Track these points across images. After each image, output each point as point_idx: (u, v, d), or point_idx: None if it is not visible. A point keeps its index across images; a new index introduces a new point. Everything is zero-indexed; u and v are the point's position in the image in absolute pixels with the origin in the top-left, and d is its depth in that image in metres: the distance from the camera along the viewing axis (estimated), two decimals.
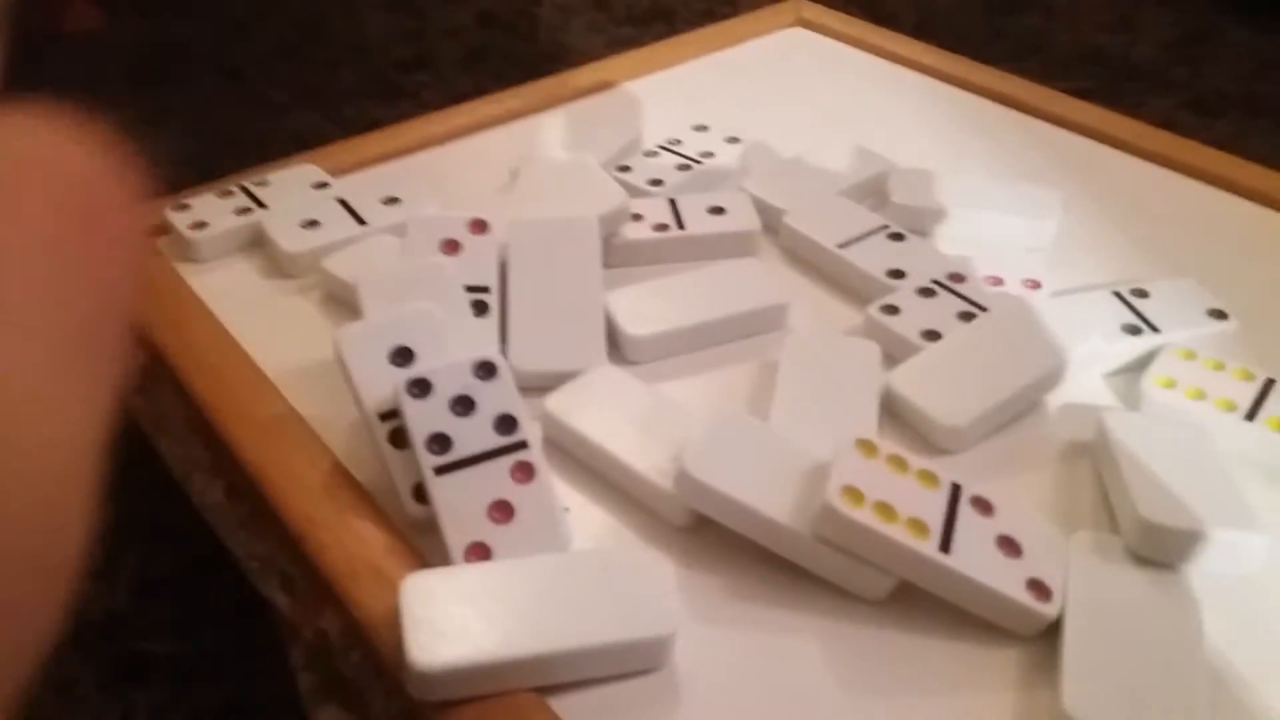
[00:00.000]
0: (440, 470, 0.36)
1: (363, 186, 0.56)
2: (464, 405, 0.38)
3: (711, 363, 0.46)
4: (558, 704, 0.31)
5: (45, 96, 0.13)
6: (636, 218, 0.52)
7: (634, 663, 0.33)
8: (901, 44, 0.72)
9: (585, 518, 0.38)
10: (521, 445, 0.37)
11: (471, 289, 0.45)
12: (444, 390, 0.38)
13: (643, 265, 0.52)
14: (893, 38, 0.72)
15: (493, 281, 0.46)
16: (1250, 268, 0.51)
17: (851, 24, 0.74)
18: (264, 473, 0.39)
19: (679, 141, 0.60)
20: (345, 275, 0.49)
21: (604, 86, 0.68)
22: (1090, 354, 0.44)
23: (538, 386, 0.42)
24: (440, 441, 0.37)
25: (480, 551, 0.35)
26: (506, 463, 0.37)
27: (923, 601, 0.35)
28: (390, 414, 0.39)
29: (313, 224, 0.53)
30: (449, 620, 0.31)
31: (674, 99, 0.67)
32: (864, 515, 0.33)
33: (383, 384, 0.39)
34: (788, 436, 0.38)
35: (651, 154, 0.59)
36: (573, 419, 0.41)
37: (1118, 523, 0.37)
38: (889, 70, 0.70)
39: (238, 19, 1.04)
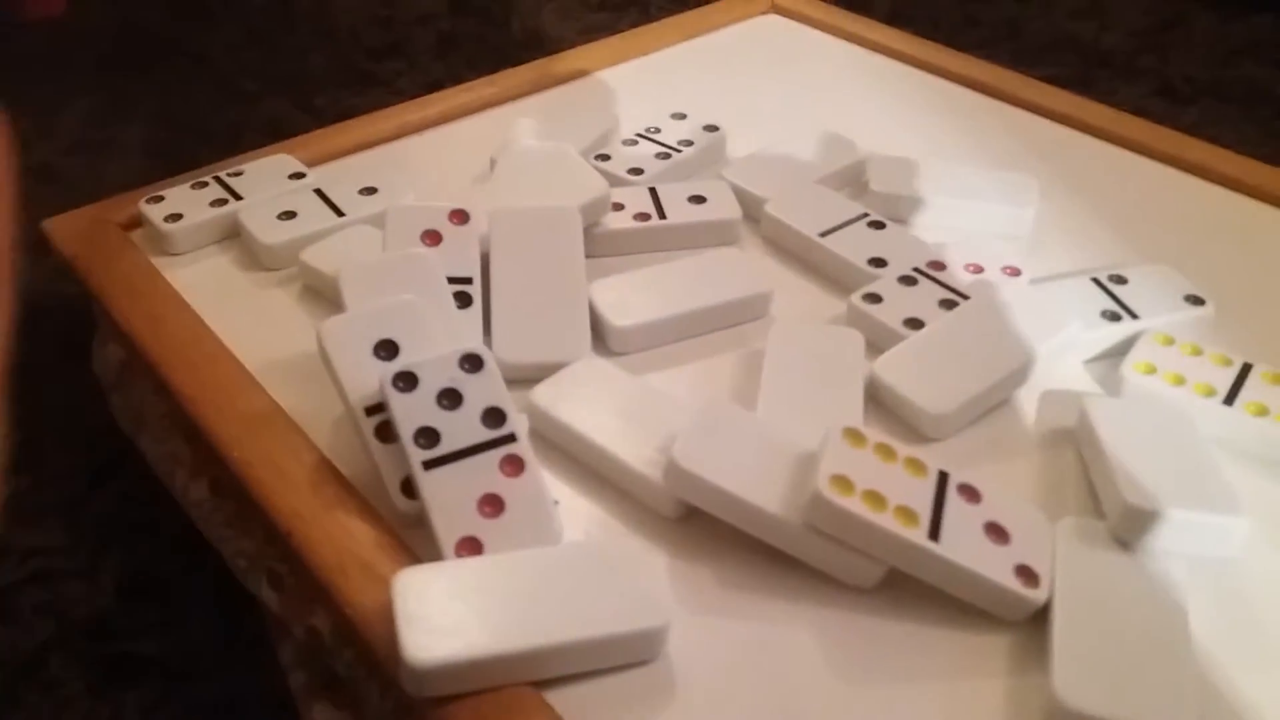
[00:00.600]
0: (429, 464, 0.36)
1: (339, 177, 0.55)
2: (451, 399, 0.37)
3: (696, 352, 0.46)
4: (553, 697, 0.31)
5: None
6: (617, 207, 0.52)
7: (628, 655, 0.33)
8: (876, 30, 0.72)
9: (574, 510, 0.38)
10: (510, 438, 0.37)
11: (454, 280, 0.45)
12: (430, 384, 0.37)
13: (624, 255, 0.52)
14: (867, 24, 0.73)
15: (475, 272, 0.46)
16: (1225, 254, 0.52)
17: (826, 10, 0.74)
18: (249, 469, 0.38)
19: (657, 130, 0.60)
20: (324, 267, 0.48)
21: (581, 74, 0.68)
22: (1070, 340, 0.44)
23: (522, 378, 0.42)
24: (428, 435, 0.36)
25: (471, 546, 0.34)
26: (495, 456, 0.36)
27: (912, 588, 0.35)
28: (376, 408, 0.38)
29: (289, 215, 0.52)
30: (443, 616, 0.31)
31: (651, 86, 0.66)
32: (854, 504, 0.34)
33: (367, 377, 0.39)
34: (775, 426, 0.38)
35: (630, 142, 0.59)
36: (559, 411, 0.41)
37: (1102, 507, 0.37)
38: (864, 57, 0.70)
39: (206, 5, 1.02)
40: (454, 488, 0.35)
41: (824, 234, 0.51)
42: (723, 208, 0.53)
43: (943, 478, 0.36)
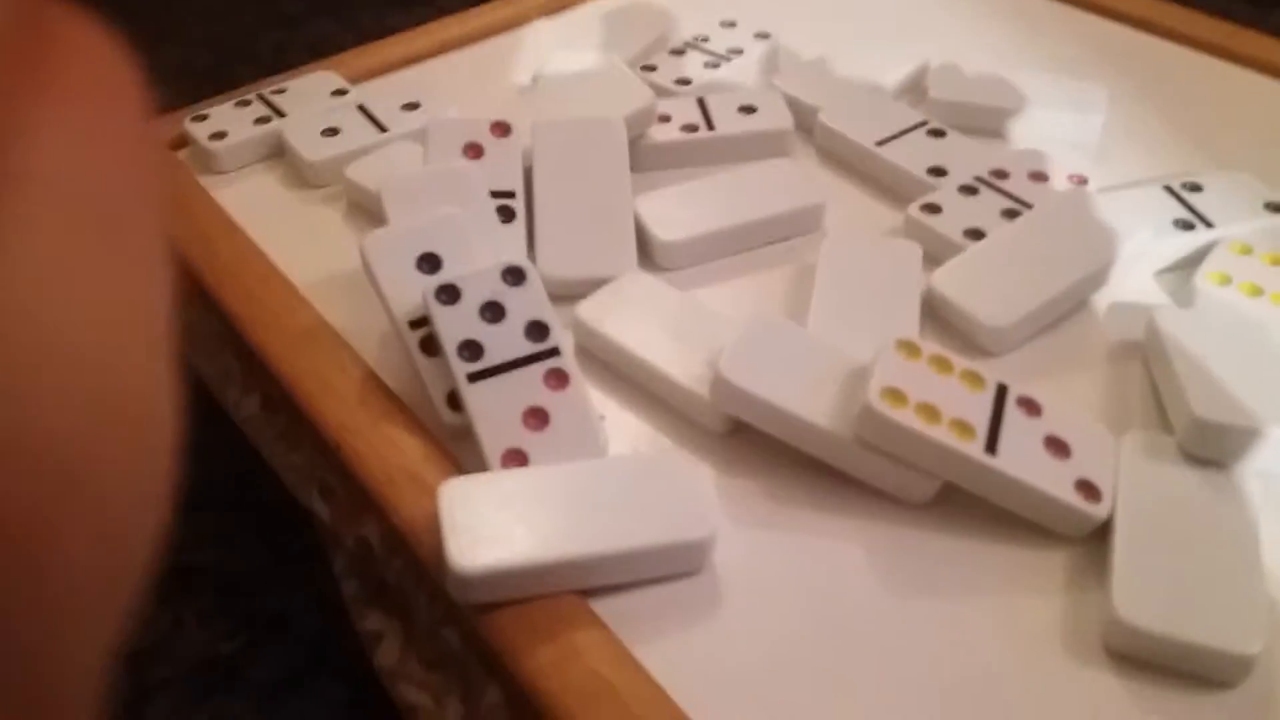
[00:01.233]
0: (473, 377, 0.35)
1: (381, 93, 0.54)
2: (494, 312, 0.37)
3: (745, 267, 0.45)
4: (598, 605, 0.31)
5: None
6: (664, 119, 0.51)
7: (673, 566, 0.32)
8: None
9: (620, 425, 0.38)
10: (554, 352, 0.36)
11: (496, 194, 0.44)
12: (473, 297, 0.37)
13: (671, 168, 0.50)
14: None
15: (518, 186, 0.45)
16: None
17: None
18: (298, 383, 0.39)
19: (706, 38, 0.58)
20: (369, 183, 0.48)
21: None
22: (1139, 250, 0.42)
23: (566, 294, 0.41)
24: (471, 348, 0.36)
25: (517, 458, 0.34)
26: (539, 369, 0.36)
27: (967, 504, 0.34)
28: (420, 321, 0.38)
29: (333, 132, 0.51)
30: (487, 524, 0.31)
31: None
32: (906, 417, 0.33)
33: (411, 291, 0.38)
34: (826, 340, 0.37)
35: (677, 52, 0.57)
36: (605, 326, 0.40)
37: (1171, 422, 0.36)
38: None
39: None
40: (498, 401, 0.35)
41: (880, 143, 0.49)
42: (774, 117, 0.51)
43: (1001, 390, 0.34)
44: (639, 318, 0.40)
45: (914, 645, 0.31)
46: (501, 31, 0.62)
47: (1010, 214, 0.44)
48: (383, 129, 0.51)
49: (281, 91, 0.55)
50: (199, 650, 0.44)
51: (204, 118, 0.53)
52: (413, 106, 0.53)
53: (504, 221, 0.43)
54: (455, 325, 0.36)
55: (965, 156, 0.48)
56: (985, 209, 0.44)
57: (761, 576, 0.33)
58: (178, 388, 0.11)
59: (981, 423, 0.33)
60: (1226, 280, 0.40)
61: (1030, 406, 0.34)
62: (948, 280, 0.41)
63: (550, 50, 0.56)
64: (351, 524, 0.38)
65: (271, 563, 0.47)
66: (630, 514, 0.32)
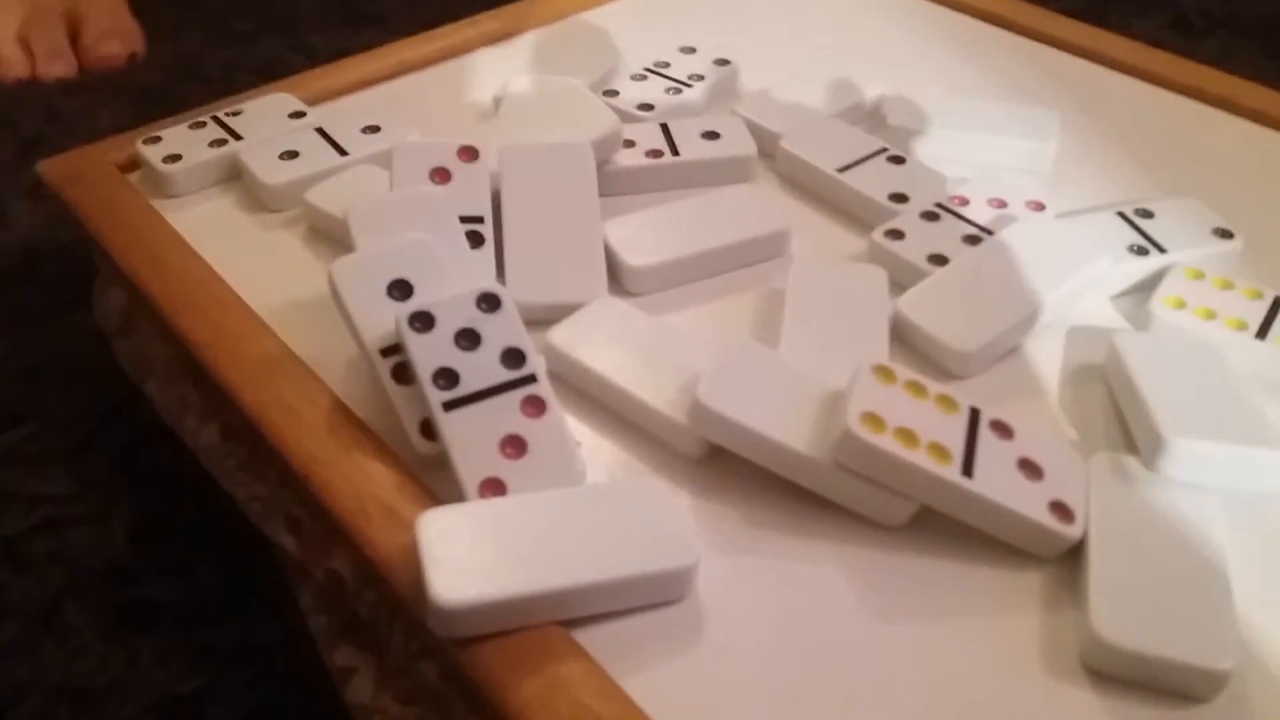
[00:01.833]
0: (449, 406, 0.35)
1: (340, 115, 0.54)
2: (469, 339, 0.36)
3: (714, 292, 0.45)
4: (581, 637, 0.31)
5: None
6: (628, 144, 0.51)
7: (657, 594, 0.32)
8: None
9: (596, 452, 0.38)
10: (531, 379, 0.36)
11: (465, 219, 0.44)
12: (447, 324, 0.36)
13: (635, 193, 0.50)
14: None
15: (486, 211, 0.45)
16: (1251, 187, 0.50)
17: None
18: (263, 413, 0.38)
19: (666, 64, 0.58)
20: (330, 208, 0.47)
21: (585, 7, 0.66)
22: (1097, 275, 0.43)
23: (537, 319, 0.41)
24: (447, 376, 0.35)
25: (494, 487, 0.34)
26: (516, 397, 0.36)
27: (942, 527, 0.34)
28: (391, 349, 0.38)
29: (291, 155, 0.50)
30: (469, 556, 0.30)
31: (659, 19, 0.65)
32: (885, 441, 0.33)
33: (382, 318, 0.38)
34: (800, 364, 0.38)
35: (639, 77, 0.57)
36: (578, 352, 0.40)
37: (1135, 443, 0.36)
38: None
39: None
40: (475, 429, 0.35)
41: (842, 169, 0.49)
42: (737, 144, 0.51)
43: (974, 414, 0.35)
44: (612, 343, 0.40)
45: (895, 667, 0.31)
46: (461, 54, 0.62)
47: (972, 240, 0.45)
48: (343, 152, 0.51)
49: (237, 113, 0.54)
50: (156, 690, 0.42)
51: (157, 140, 0.52)
52: (373, 129, 0.52)
53: (473, 247, 0.43)
54: (430, 353, 0.36)
55: (925, 183, 0.49)
56: (947, 235, 0.45)
57: (742, 602, 0.33)
58: None
59: (957, 446, 0.34)
60: (1181, 304, 0.41)
61: (1003, 430, 0.35)
62: (914, 305, 0.42)
63: (511, 74, 0.56)
64: (321, 557, 0.37)
65: (231, 596, 0.45)
66: (613, 543, 0.31)
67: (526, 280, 0.43)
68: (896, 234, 0.45)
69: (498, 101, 0.56)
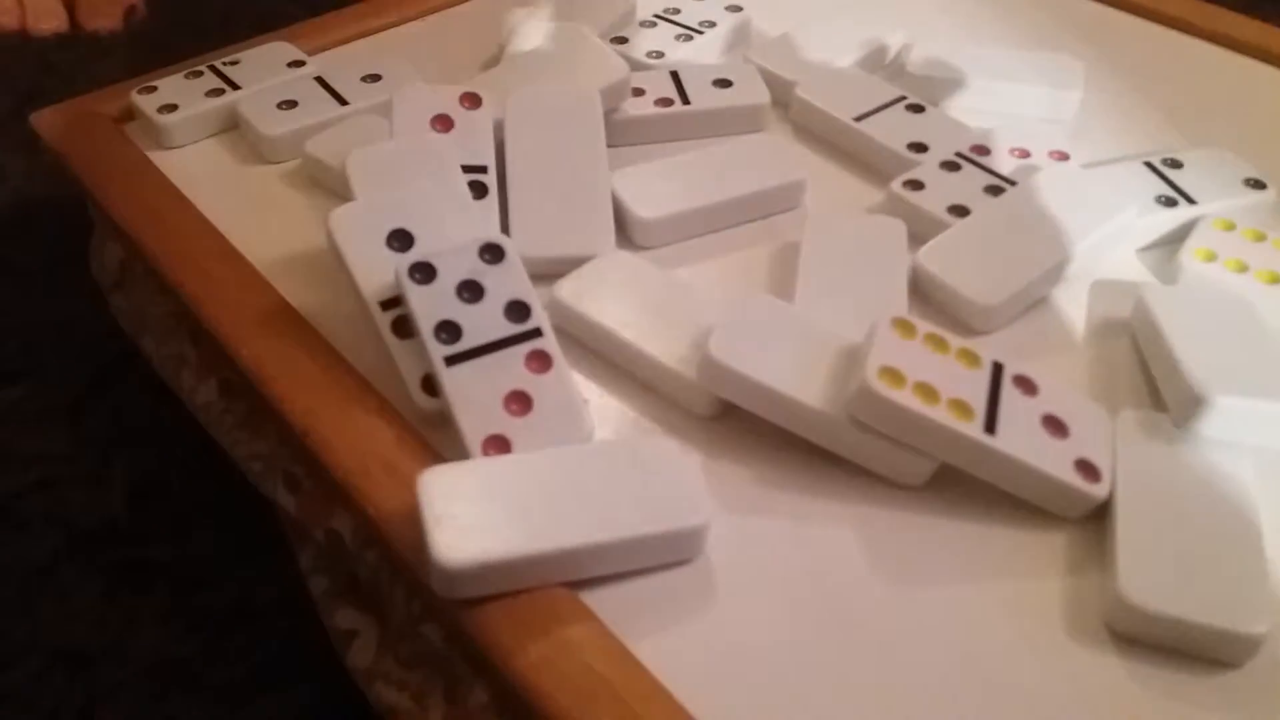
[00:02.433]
0: (451, 360, 0.34)
1: (340, 65, 0.52)
2: (471, 291, 0.35)
3: (726, 245, 0.44)
4: (589, 598, 0.30)
5: None
6: (637, 92, 0.49)
7: (667, 555, 0.31)
8: None
9: (603, 409, 0.36)
10: (536, 333, 0.35)
11: (467, 169, 0.42)
12: (449, 275, 0.35)
13: (644, 143, 0.49)
14: None
15: (490, 160, 0.43)
16: None
17: None
18: (261, 368, 0.36)
19: (677, 10, 0.56)
20: (330, 159, 0.45)
21: None
22: (1123, 227, 0.42)
23: (542, 273, 0.39)
24: (449, 330, 0.34)
25: (499, 444, 0.33)
26: (520, 351, 0.34)
27: (962, 486, 0.33)
28: (392, 302, 0.36)
29: (290, 105, 0.49)
30: (473, 515, 0.29)
31: None
32: (904, 397, 0.32)
33: (382, 270, 0.36)
34: (815, 319, 0.36)
35: (649, 24, 0.55)
36: (585, 307, 0.38)
37: (1163, 399, 0.35)
38: None
39: None
40: (478, 384, 0.33)
41: (859, 118, 0.48)
42: (750, 92, 0.49)
43: (997, 369, 0.34)
44: (619, 298, 0.39)
45: (914, 630, 0.30)
46: (461, 3, 0.60)
47: (994, 190, 0.43)
48: (343, 102, 0.49)
49: (235, 63, 0.52)
50: (153, 651, 0.42)
51: (152, 89, 0.50)
52: (374, 79, 0.50)
53: (476, 198, 0.42)
54: (431, 305, 0.34)
55: (945, 132, 0.47)
56: (968, 185, 0.44)
57: (755, 564, 0.32)
58: None
59: (979, 402, 0.32)
60: (1212, 257, 0.40)
61: (1027, 385, 0.34)
62: (934, 258, 0.40)
63: (516, 22, 0.54)
64: (321, 516, 0.36)
65: (230, 556, 0.45)
66: (622, 502, 0.30)
67: (531, 232, 0.42)
68: (916, 184, 0.44)
69: (503, 50, 0.54)
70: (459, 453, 0.33)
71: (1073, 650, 0.30)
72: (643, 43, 0.53)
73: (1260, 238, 0.40)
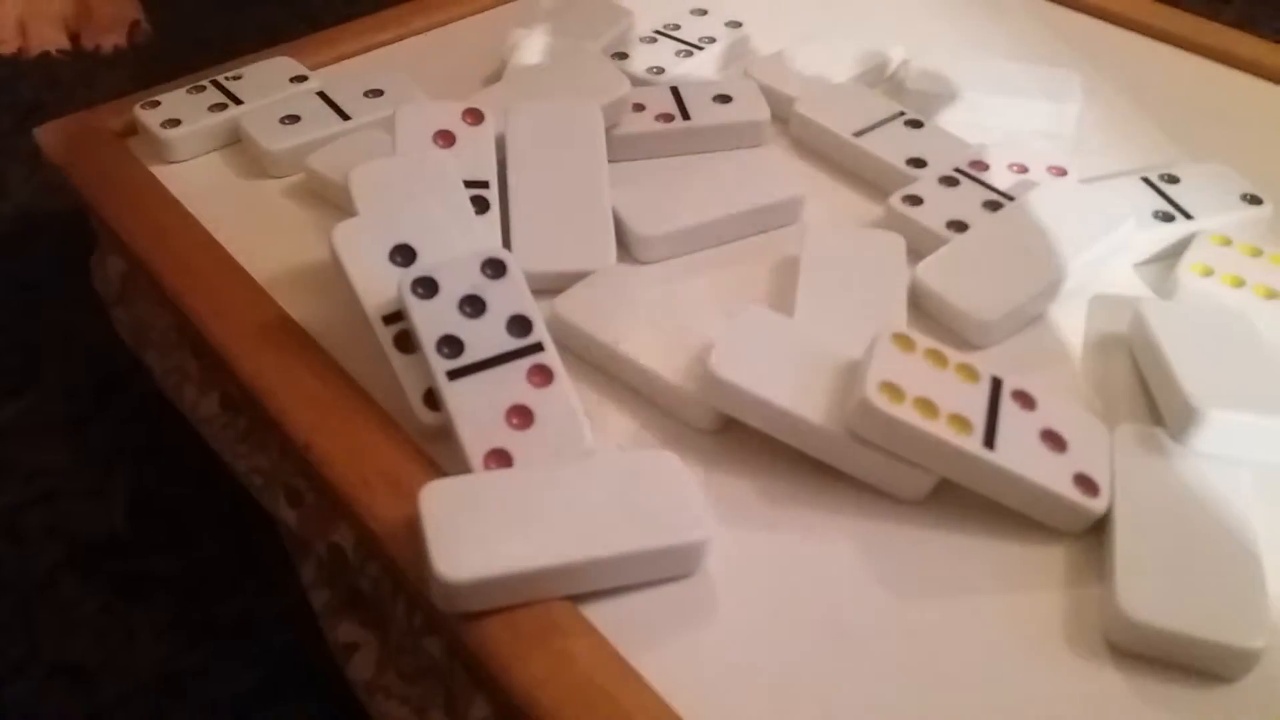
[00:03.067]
0: (453, 375, 0.34)
1: (343, 80, 0.52)
2: (473, 306, 0.35)
3: (725, 260, 0.44)
4: (590, 612, 0.30)
5: None
6: (638, 108, 0.50)
7: (667, 569, 0.31)
8: None
9: (604, 424, 0.37)
10: (537, 347, 0.35)
11: (470, 184, 0.43)
12: (451, 290, 0.35)
13: (646, 158, 0.49)
14: None
15: (492, 175, 0.44)
16: (1278, 151, 0.49)
17: None
18: (263, 383, 0.37)
19: (677, 26, 0.56)
20: (332, 173, 0.46)
21: None
22: (1121, 242, 0.42)
23: (543, 288, 0.40)
24: (451, 344, 0.34)
25: (500, 458, 0.33)
26: (522, 366, 0.34)
27: (961, 500, 0.33)
28: (394, 316, 0.36)
29: (293, 120, 0.49)
30: (474, 530, 0.29)
31: None
32: (904, 412, 0.32)
33: (384, 284, 0.37)
34: (815, 333, 0.36)
35: (649, 40, 0.55)
36: (585, 321, 0.39)
37: (1161, 414, 0.35)
38: None
39: None
40: (480, 399, 0.34)
41: (858, 134, 0.48)
42: (750, 108, 0.50)
43: (996, 384, 0.34)
44: (620, 312, 0.39)
45: (912, 645, 0.30)
46: (464, 17, 0.60)
47: (992, 205, 0.43)
48: (346, 117, 0.49)
49: (237, 78, 0.52)
50: (154, 665, 0.42)
51: (155, 104, 0.51)
52: (376, 94, 0.51)
53: (478, 213, 0.42)
54: (433, 320, 0.35)
55: (944, 147, 0.47)
56: (966, 200, 0.44)
57: (755, 578, 0.32)
58: None
59: (978, 417, 0.33)
60: (1209, 272, 0.40)
61: (1025, 400, 0.34)
62: (933, 273, 0.40)
63: (517, 39, 0.55)
64: (322, 530, 0.36)
65: (232, 570, 0.45)
66: (622, 516, 0.30)
67: (533, 247, 0.42)
68: (915, 200, 0.44)
69: (505, 66, 0.54)
70: (460, 467, 0.33)
71: (1072, 664, 0.30)
72: (643, 58, 0.54)
73: (1257, 253, 0.41)
